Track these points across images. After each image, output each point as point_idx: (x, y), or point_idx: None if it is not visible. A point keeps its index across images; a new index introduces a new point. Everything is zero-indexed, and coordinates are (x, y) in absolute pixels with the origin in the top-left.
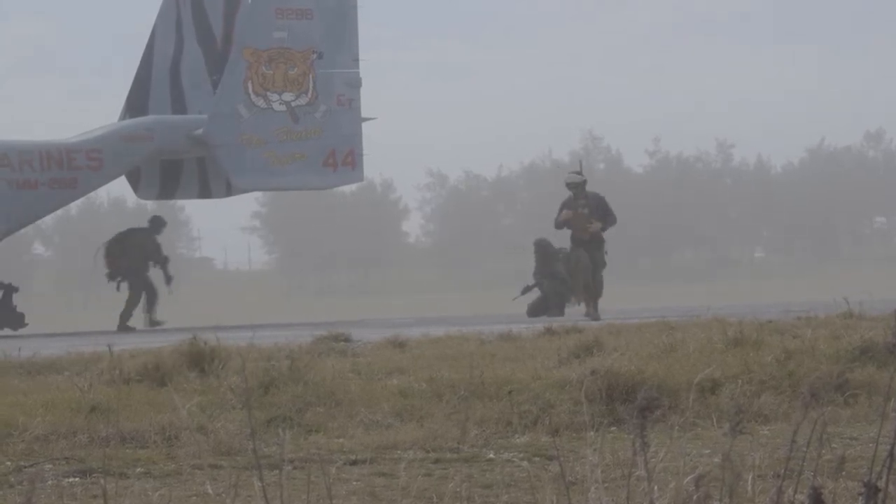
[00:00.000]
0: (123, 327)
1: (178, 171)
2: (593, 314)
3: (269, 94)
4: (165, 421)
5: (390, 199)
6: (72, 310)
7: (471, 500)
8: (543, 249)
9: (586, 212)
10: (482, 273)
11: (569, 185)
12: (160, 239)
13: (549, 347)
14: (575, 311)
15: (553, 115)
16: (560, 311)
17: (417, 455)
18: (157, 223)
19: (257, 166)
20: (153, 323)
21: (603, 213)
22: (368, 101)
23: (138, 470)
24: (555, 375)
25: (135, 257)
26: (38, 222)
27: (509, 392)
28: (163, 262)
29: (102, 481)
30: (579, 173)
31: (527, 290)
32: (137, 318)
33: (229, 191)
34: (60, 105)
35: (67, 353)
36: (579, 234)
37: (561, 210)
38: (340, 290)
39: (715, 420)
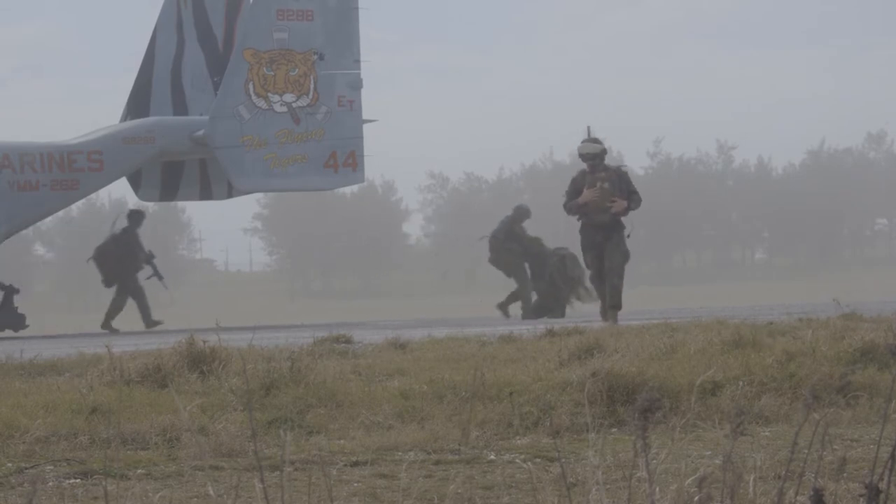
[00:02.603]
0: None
1: (179, 172)
2: (606, 319)
3: (270, 95)
4: (166, 422)
5: (391, 200)
6: (73, 311)
7: (472, 501)
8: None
9: (606, 185)
10: (483, 275)
11: (583, 156)
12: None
13: (550, 349)
14: (576, 313)
15: (554, 116)
16: (561, 313)
17: (418, 456)
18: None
19: (258, 168)
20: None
21: (627, 190)
22: (369, 102)
23: (139, 471)
24: (556, 377)
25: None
26: (39, 224)
27: (510, 394)
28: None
29: (103, 483)
30: (597, 141)
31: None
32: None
33: (230, 192)
34: (61, 106)
35: (68, 355)
36: (597, 216)
37: (571, 186)
38: (341, 292)
39: (716, 422)
